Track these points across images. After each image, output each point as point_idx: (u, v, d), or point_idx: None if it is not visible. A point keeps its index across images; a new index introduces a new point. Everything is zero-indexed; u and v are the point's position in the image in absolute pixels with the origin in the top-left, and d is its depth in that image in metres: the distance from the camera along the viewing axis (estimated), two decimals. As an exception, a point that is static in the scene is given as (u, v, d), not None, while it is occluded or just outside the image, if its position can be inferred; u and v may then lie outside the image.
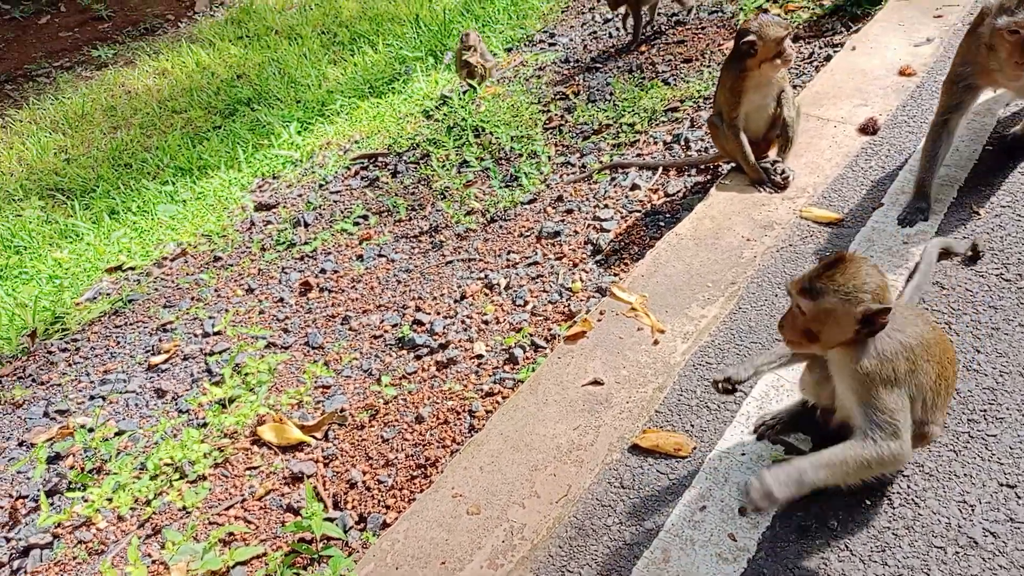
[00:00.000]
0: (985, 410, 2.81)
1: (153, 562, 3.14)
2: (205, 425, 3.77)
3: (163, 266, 5.70)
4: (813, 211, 3.75)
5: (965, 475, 2.63)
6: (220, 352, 4.33)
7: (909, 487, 2.62)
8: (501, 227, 4.67)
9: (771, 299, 3.38)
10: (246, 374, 4.05)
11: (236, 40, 10.31)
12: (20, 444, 4.03)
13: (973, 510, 2.54)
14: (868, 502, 2.60)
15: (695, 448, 2.85)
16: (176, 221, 6.32)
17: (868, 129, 4.24)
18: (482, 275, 4.29)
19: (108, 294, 5.43)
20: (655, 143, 4.95)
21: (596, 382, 3.15)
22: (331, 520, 3.07)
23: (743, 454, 2.80)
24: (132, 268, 5.84)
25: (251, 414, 3.69)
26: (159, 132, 8.58)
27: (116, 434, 3.86)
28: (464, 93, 6.64)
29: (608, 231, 4.18)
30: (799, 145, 4.14)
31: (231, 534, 3.19)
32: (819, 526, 2.55)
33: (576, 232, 4.31)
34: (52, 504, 3.52)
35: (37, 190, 7.98)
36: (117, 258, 6.05)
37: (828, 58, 5.24)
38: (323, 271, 4.87)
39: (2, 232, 7.02)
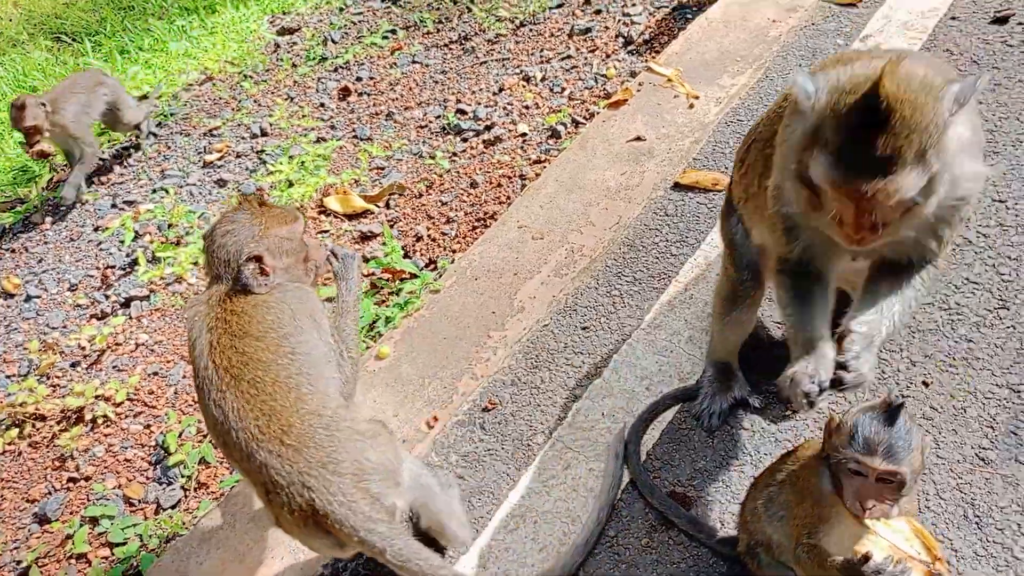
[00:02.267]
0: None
1: (247, 303, 3.56)
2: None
3: (191, 90, 5.87)
4: (833, -4, 4.02)
5: (963, 194, 3.06)
6: (272, 148, 4.63)
7: (915, 204, 3.05)
8: (531, 30, 4.90)
9: (795, 69, 3.70)
10: (302, 162, 4.38)
11: None
12: (95, 229, 4.38)
13: (970, 220, 2.98)
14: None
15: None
16: (195, 52, 6.43)
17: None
18: (518, 70, 4.56)
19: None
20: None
21: (639, 138, 3.51)
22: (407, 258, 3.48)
23: (772, 186, 3.20)
24: (159, 96, 6.01)
25: (316, 187, 4.04)
26: (161, -29, 8.48)
27: (188, 212, 4.20)
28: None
29: (638, 24, 4.44)
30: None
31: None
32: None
33: (607, 28, 4.56)
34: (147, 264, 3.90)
35: (41, 33, 7.96)
36: (140, 88, 6.20)
37: None
38: (359, 79, 5.10)
39: (14, 72, 7.09)
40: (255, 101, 5.26)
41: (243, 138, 4.89)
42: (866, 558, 1.61)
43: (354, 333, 2.19)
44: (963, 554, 2.22)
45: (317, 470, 1.81)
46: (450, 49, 5.12)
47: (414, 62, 5.08)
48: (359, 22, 5.89)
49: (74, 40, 7.66)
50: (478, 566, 2.31)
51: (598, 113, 3.91)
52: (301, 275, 2.17)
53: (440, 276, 3.21)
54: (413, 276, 3.38)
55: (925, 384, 2.56)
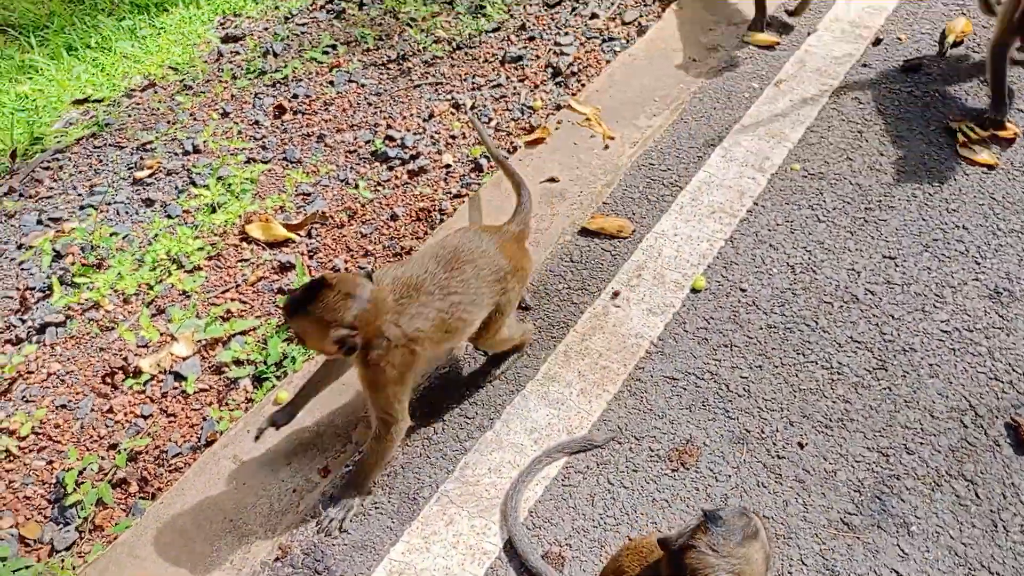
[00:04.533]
0: (880, 201, 3.30)
1: (161, 334, 3.57)
2: (196, 227, 4.12)
3: (132, 96, 5.82)
4: (754, 36, 4.08)
5: (856, 249, 3.15)
6: (201, 168, 4.61)
7: (810, 259, 3.13)
8: (467, 54, 4.91)
9: (710, 112, 3.77)
10: (229, 184, 4.37)
11: None
12: (19, 247, 4.35)
13: (859, 275, 3.07)
14: (773, 270, 3.11)
15: (635, 231, 3.32)
16: (140, 55, 6.36)
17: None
18: (449, 97, 4.58)
19: (79, 123, 5.57)
20: (615, -25, 5.15)
21: (552, 179, 3.56)
22: (319, 295, 3.50)
23: (675, 235, 3.27)
24: (99, 100, 5.94)
25: (239, 213, 4.05)
26: (112, -35, 8.34)
27: (111, 235, 4.19)
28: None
29: (567, 55, 4.47)
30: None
31: (229, 311, 3.62)
32: (732, 289, 3.07)
33: (538, 56, 4.59)
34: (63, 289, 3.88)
35: (-14, 24, 7.81)
36: (83, 90, 6.12)
37: None
38: (295, 96, 5.08)
39: (-45, 65, 6.95)
40: (191, 115, 5.23)
41: (175, 154, 4.86)
42: None
43: None
44: (819, 616, 2.31)
45: None
46: (387, 69, 5.11)
47: (351, 80, 5.07)
48: (302, 34, 5.86)
49: (20, 34, 7.53)
50: (355, 622, 2.37)
51: (519, 148, 3.95)
52: None
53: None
54: (325, 313, 3.40)
55: (800, 445, 2.65)
